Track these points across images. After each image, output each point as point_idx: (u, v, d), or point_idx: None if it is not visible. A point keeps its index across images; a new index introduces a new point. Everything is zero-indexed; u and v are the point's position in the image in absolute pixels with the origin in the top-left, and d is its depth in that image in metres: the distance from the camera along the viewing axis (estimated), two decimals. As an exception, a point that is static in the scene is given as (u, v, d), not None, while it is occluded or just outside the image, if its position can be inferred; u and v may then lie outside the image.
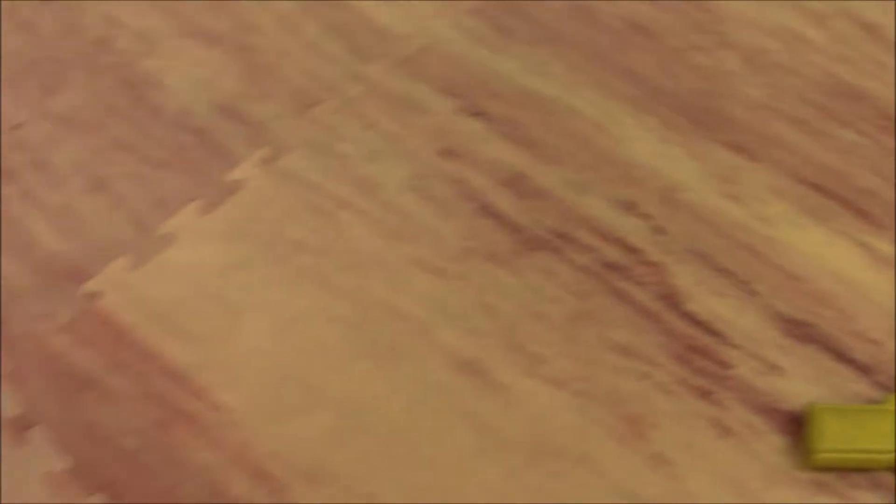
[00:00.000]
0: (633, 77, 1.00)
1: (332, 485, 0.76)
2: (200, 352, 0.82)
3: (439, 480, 0.76)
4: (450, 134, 0.95)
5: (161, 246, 0.89)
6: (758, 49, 1.02)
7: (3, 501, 0.76)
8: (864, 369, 0.80)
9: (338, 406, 0.79)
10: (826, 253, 0.87)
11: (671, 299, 0.85)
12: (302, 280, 0.86)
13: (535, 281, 0.86)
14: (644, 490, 0.75)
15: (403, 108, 0.97)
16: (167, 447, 0.78)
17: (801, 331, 0.83)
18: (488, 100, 0.98)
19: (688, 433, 0.78)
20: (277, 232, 0.89)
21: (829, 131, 0.96)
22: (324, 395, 0.80)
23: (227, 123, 0.96)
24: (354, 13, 1.06)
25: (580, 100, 0.98)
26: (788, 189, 0.91)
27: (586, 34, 1.02)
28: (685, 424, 0.78)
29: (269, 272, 0.87)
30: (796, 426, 0.77)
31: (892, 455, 0.72)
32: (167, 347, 0.83)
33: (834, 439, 0.73)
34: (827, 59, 1.01)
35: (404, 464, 0.76)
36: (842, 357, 0.81)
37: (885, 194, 0.91)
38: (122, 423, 0.79)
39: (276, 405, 0.80)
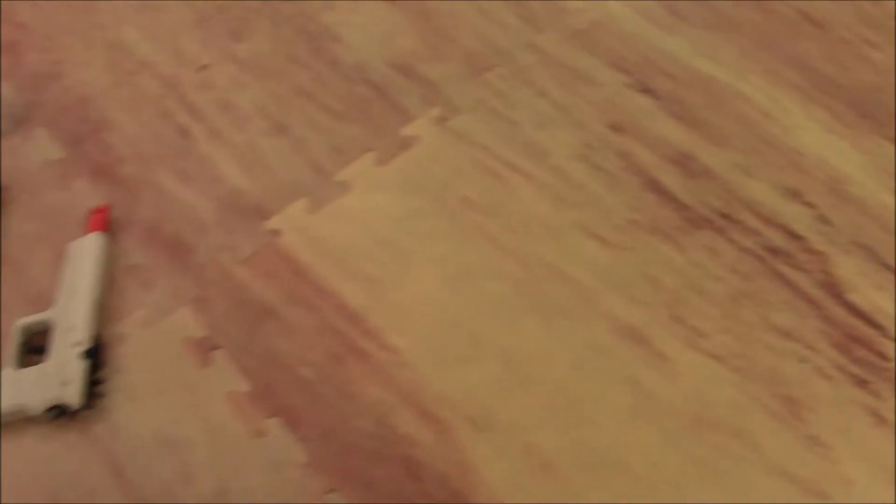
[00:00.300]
0: (802, 67, 1.00)
1: (495, 431, 0.79)
2: (372, 294, 0.86)
3: (598, 438, 0.78)
4: (618, 108, 0.97)
5: (338, 192, 0.93)
6: (932, 49, 1.02)
7: (191, 415, 0.81)
8: None
9: (504, 358, 0.83)
10: None
11: (833, 288, 0.86)
12: (471, 236, 0.89)
13: (699, 258, 0.87)
14: (798, 469, 0.77)
15: (574, 79, 0.99)
16: (341, 381, 0.82)
17: (966, 331, 0.83)
18: (657, 78, 0.99)
19: (844, 419, 0.79)
20: (449, 188, 0.92)
21: None
22: (490, 346, 0.83)
23: (402, 80, 1.00)
24: (525, -17, 1.08)
25: (749, 86, 0.98)
26: (959, 190, 0.91)
27: (759, 22, 1.03)
28: (842, 410, 0.80)
29: (440, 225, 0.90)
30: (959, 423, 0.78)
31: None
32: (342, 287, 0.87)
33: None
34: None
35: (565, 419, 0.79)
36: None
37: None
38: (299, 353, 0.84)
39: (443, 351, 0.83)
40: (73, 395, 0.79)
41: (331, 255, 0.89)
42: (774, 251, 0.88)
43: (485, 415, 0.80)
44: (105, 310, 0.85)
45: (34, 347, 0.83)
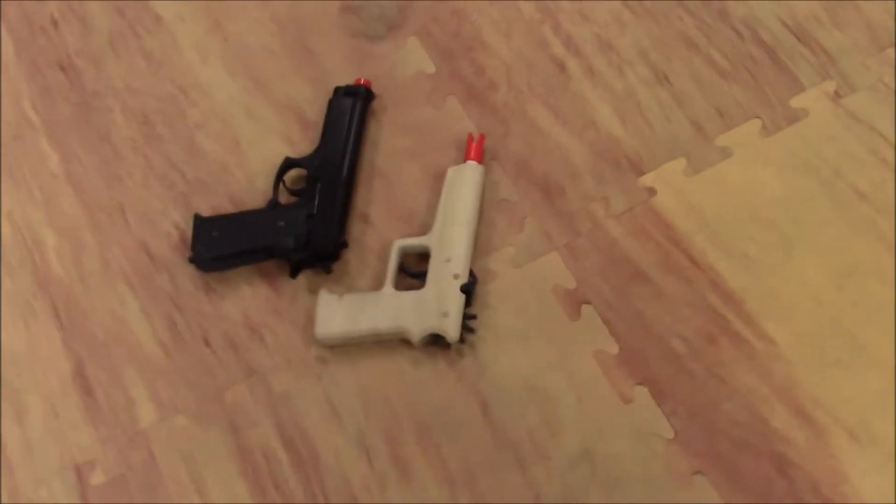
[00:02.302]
0: None
1: (875, 447, 0.76)
2: (750, 276, 0.83)
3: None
4: None
5: (718, 157, 0.88)
6: None
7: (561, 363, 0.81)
8: None
9: (886, 369, 0.79)
10: None
11: None
12: (860, 231, 0.84)
13: None
14: None
15: None
16: (713, 361, 0.80)
17: None
18: None
19: None
20: (840, 174, 0.86)
21: None
22: (873, 354, 0.79)
23: (795, 44, 0.92)
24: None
25: None
26: None
27: None
28: None
29: (827, 213, 0.85)
30: None
31: None
32: (718, 262, 0.84)
33: None
34: None
35: (951, 449, 0.75)
36: None
37: None
38: (670, 324, 0.82)
39: (822, 352, 0.80)
40: (452, 327, 0.80)
41: (708, 226, 0.85)
42: None
43: (863, 426, 0.77)
44: (476, 243, 0.85)
45: (407, 269, 0.84)
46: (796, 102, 0.90)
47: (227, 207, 0.88)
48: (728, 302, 0.82)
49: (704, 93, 0.91)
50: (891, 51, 0.92)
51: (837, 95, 0.90)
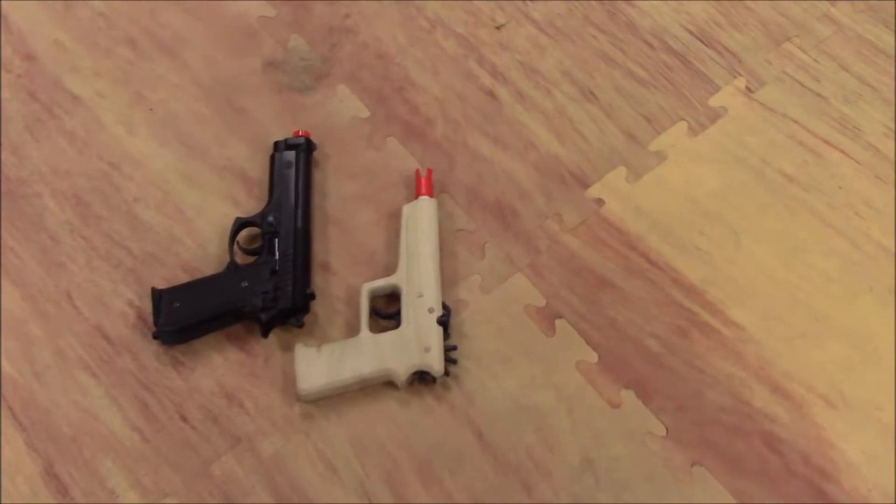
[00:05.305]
0: None
1: (850, 409, 0.80)
2: (708, 268, 0.87)
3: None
4: (926, 85, 0.96)
5: (654, 161, 0.92)
6: None
7: (551, 379, 0.82)
8: None
9: (847, 335, 0.83)
10: None
11: None
12: (796, 211, 0.89)
13: None
14: None
15: (874, 53, 0.98)
16: (688, 354, 0.83)
17: None
18: (961, 54, 0.98)
19: None
20: (767, 162, 0.92)
21: None
22: (832, 323, 0.84)
23: (702, 48, 0.98)
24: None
25: None
26: None
27: None
28: None
29: (764, 199, 0.90)
30: None
31: None
32: (675, 260, 0.87)
33: None
34: None
35: (917, 399, 0.80)
36: None
37: None
38: (641, 325, 0.84)
39: (786, 328, 0.84)
40: (436, 361, 0.80)
41: (658, 227, 0.89)
42: None
43: (836, 392, 0.81)
44: (442, 276, 0.85)
45: (379, 311, 0.83)
46: (714, 101, 0.96)
47: (182, 277, 0.85)
48: (691, 295, 0.85)
49: (630, 103, 0.95)
50: (787, 45, 0.99)
51: (749, 90, 0.96)
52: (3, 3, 1.00)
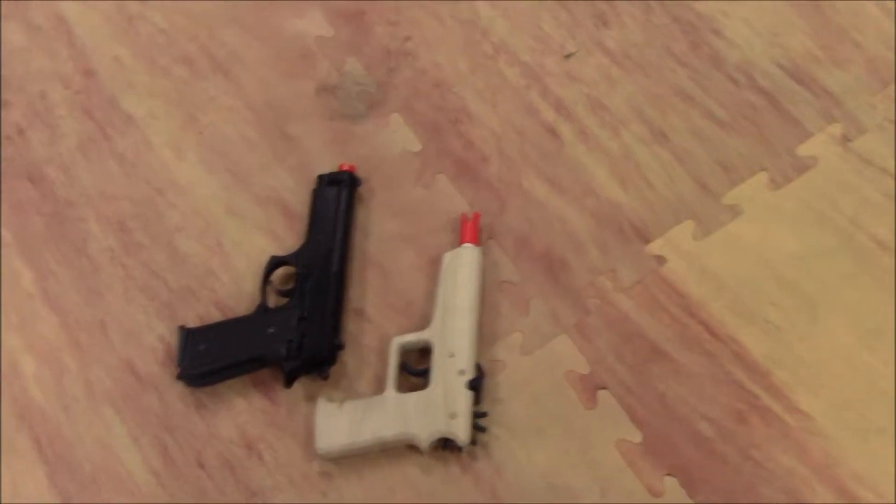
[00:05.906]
0: None
1: (928, 525, 0.70)
2: (775, 344, 0.78)
3: None
4: None
5: (727, 216, 0.83)
6: None
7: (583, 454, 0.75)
8: None
9: (933, 437, 0.73)
10: None
11: None
12: (886, 284, 0.79)
13: None
14: None
15: None
16: (744, 442, 0.75)
17: None
18: None
19: None
20: (857, 224, 0.81)
21: None
22: (917, 420, 0.74)
23: (795, 87, 0.88)
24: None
25: None
26: None
27: None
28: None
29: (850, 268, 0.80)
30: None
31: None
32: (739, 332, 0.78)
33: None
34: None
35: None
36: None
37: None
38: (694, 404, 0.76)
39: (861, 422, 0.74)
40: (462, 430, 0.74)
41: (724, 292, 0.80)
42: None
43: (913, 502, 0.71)
44: (481, 332, 0.80)
45: (409, 368, 0.79)
46: (803, 150, 0.85)
47: (214, 315, 0.83)
48: (754, 375, 0.77)
49: (705, 147, 0.86)
50: (893, 87, 0.87)
51: (846, 139, 0.85)
52: (70, 16, 1.00)
